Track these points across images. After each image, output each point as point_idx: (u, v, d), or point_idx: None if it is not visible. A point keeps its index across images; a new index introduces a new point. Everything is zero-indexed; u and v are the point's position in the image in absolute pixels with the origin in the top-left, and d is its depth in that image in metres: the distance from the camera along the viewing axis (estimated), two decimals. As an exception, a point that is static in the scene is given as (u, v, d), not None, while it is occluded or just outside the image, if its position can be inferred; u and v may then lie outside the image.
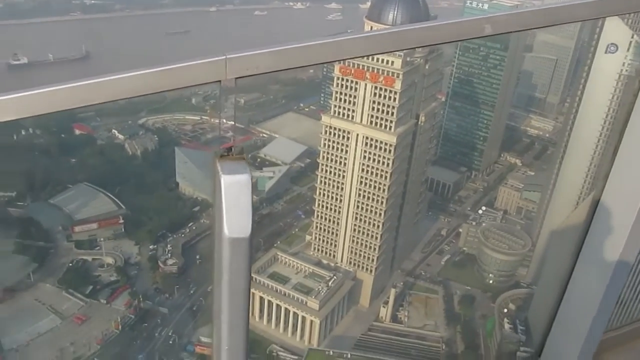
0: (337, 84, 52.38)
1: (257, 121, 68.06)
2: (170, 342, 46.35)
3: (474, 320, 51.38)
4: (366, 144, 52.08)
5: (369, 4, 60.36)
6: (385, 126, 51.51)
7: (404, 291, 53.54)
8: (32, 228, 50.12)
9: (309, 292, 50.16)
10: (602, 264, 4.32)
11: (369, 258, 53.45)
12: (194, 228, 53.51)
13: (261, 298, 49.59)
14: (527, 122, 72.88)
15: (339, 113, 52.65)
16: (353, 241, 53.71)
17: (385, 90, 50.87)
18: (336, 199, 53.97)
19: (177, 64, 2.29)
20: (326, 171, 53.92)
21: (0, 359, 41.95)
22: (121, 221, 52.11)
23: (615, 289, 4.37)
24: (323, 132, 53.51)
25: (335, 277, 51.93)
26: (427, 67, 53.42)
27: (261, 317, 49.82)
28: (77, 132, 59.36)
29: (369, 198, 52.79)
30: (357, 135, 52.18)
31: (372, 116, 51.58)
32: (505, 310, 49.29)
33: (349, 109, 52.28)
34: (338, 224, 54.18)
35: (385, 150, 51.67)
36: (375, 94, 51.17)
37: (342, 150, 53.10)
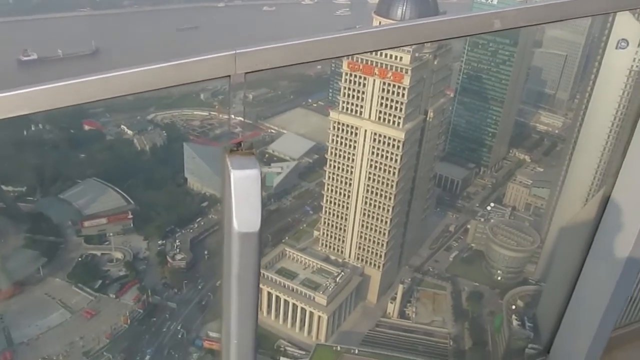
0: (346, 79, 52.25)
1: (265, 117, 68.04)
2: (179, 336, 46.60)
3: (482, 317, 51.28)
4: (374, 140, 51.97)
5: (377, -1, 60.08)
6: (394, 122, 51.38)
7: (412, 287, 53.49)
8: (42, 223, 50.48)
9: (316, 287, 50.24)
10: (612, 261, 4.30)
11: (376, 254, 53.43)
12: (202, 223, 53.66)
13: (269, 293, 49.72)
14: (537, 118, 72.42)
15: (347, 109, 52.55)
16: (361, 237, 53.70)
17: (394, 86, 50.72)
18: (344, 195, 53.94)
19: (186, 58, 2.30)
20: (334, 167, 53.89)
21: (11, 353, 42.37)
22: (130, 216, 52.37)
23: (625, 286, 4.35)
24: (331, 128, 53.44)
25: (343, 272, 51.97)
26: (435, 62, 53.19)
27: (269, 312, 49.97)
28: (87, 128, 59.66)
29: (377, 194, 52.72)
30: (365, 131, 52.07)
31: (380, 112, 51.45)
32: (513, 307, 49.18)
33: (357, 105, 52.16)
34: (346, 220, 54.18)
35: (393, 146, 51.54)
36: (383, 89, 51.02)
37: (350, 146, 53.01)
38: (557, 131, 69.89)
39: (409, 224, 55.52)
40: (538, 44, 72.47)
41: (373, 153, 52.09)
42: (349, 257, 54.14)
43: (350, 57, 47.77)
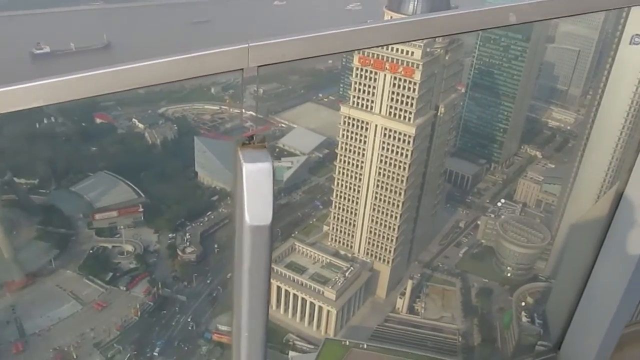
0: (356, 74, 52.11)
1: (276, 111, 68.11)
2: (189, 329, 46.86)
3: (491, 313, 51.11)
4: (385, 134, 51.81)
5: (389, -7, 59.71)
6: (404, 117, 51.20)
7: (421, 283, 53.43)
8: (54, 215, 50.89)
9: (326, 282, 50.30)
10: (625, 258, 4.27)
11: (386, 249, 53.37)
12: (212, 217, 53.87)
13: (278, 287, 49.85)
14: (548, 114, 71.92)
15: (357, 104, 52.43)
16: (370, 232, 53.66)
17: (405, 80, 50.51)
18: (354, 190, 53.87)
19: (199, 51, 2.30)
20: (344, 162, 53.81)
21: (23, 344, 42.82)
22: (141, 209, 52.67)
23: (638, 283, 4.31)
24: (342, 123, 53.35)
25: (352, 267, 51.98)
26: (447, 57, 52.91)
27: (278, 306, 50.11)
28: (99, 121, 59.98)
29: (387, 189, 52.60)
30: (376, 126, 51.93)
31: (391, 107, 51.28)
32: (523, 304, 48.99)
33: (367, 100, 52.02)
34: (356, 214, 54.13)
35: (404, 141, 51.37)
36: (394, 84, 50.83)
37: (360, 141, 52.90)
38: (569, 127, 69.40)
39: (419, 219, 55.40)
40: (551, 40, 71.87)
41: (383, 148, 51.96)
42: (359, 252, 54.12)
43: (361, 51, 47.66)
